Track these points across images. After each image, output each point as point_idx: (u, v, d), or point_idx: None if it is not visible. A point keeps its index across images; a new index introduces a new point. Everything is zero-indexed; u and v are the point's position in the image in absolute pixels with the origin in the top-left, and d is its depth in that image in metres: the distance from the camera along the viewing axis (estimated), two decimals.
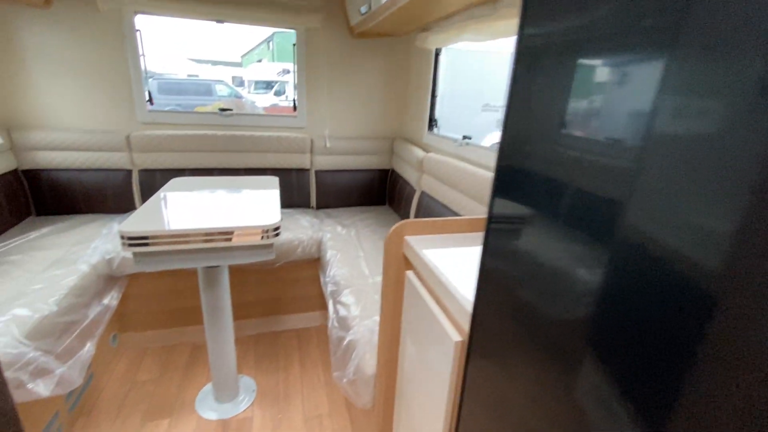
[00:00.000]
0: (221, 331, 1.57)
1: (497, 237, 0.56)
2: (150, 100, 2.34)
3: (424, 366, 0.91)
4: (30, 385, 1.14)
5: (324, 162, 2.60)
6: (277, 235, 1.32)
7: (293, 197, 2.58)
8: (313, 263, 2.18)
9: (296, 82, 2.53)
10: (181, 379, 1.85)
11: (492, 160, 1.65)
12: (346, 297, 1.55)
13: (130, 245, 1.17)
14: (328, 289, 1.73)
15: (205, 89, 9.80)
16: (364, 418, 1.50)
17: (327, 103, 2.60)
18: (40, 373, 1.19)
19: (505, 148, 0.54)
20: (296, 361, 2.01)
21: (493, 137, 6.58)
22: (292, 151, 2.52)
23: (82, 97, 2.20)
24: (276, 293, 2.22)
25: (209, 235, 1.24)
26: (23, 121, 2.17)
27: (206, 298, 1.51)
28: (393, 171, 2.73)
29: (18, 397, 1.14)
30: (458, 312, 0.76)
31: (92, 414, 1.62)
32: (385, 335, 1.09)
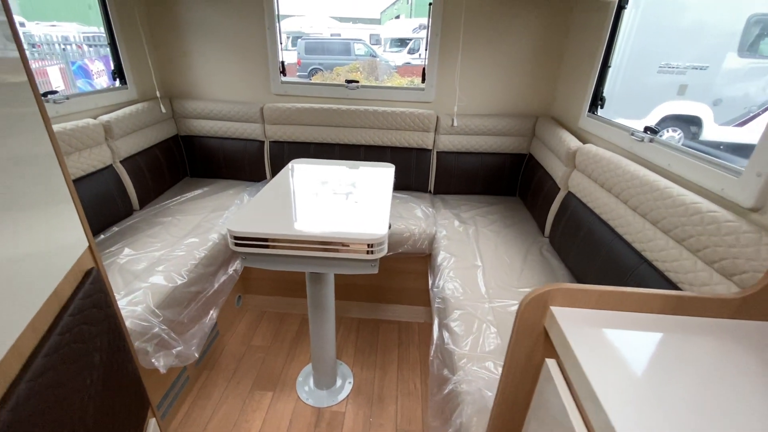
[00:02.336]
0: (323, 324, 1.53)
1: None
2: (283, 72, 2.34)
3: None
4: (152, 359, 1.26)
5: (448, 142, 2.30)
6: (381, 251, 1.15)
7: (410, 179, 2.37)
8: (424, 259, 1.98)
9: (427, 49, 2.22)
10: (288, 352, 1.93)
11: (707, 177, 1.12)
12: (455, 322, 1.31)
13: (237, 245, 1.14)
14: (435, 303, 1.51)
15: (345, 48, 10.12)
16: None
17: (460, 74, 2.23)
18: (163, 346, 1.31)
19: None
20: (394, 360, 1.90)
21: (669, 108, 5.15)
22: (415, 129, 2.28)
23: (226, 68, 2.32)
24: (382, 281, 2.11)
25: (312, 243, 1.13)
26: (181, 90, 2.41)
27: (311, 293, 1.46)
28: (531, 157, 2.26)
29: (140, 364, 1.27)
30: None
31: (213, 369, 1.81)
32: (501, 419, 0.83)
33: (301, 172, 1.74)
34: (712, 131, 5.07)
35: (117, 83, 2.08)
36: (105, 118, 1.82)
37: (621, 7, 1.63)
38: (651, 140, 1.36)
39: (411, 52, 11.42)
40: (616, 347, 0.62)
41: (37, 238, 0.71)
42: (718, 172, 1.06)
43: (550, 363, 0.69)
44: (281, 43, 2.28)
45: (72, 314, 0.84)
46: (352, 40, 10.73)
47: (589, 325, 0.67)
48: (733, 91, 5.01)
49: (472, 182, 2.36)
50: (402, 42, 11.90)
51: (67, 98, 1.72)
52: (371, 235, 1.13)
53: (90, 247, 0.95)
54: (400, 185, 2.38)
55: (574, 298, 0.70)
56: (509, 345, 0.74)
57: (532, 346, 0.73)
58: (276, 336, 2.03)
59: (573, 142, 1.74)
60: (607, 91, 1.79)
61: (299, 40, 9.80)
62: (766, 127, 0.92)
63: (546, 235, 1.88)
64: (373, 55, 10.53)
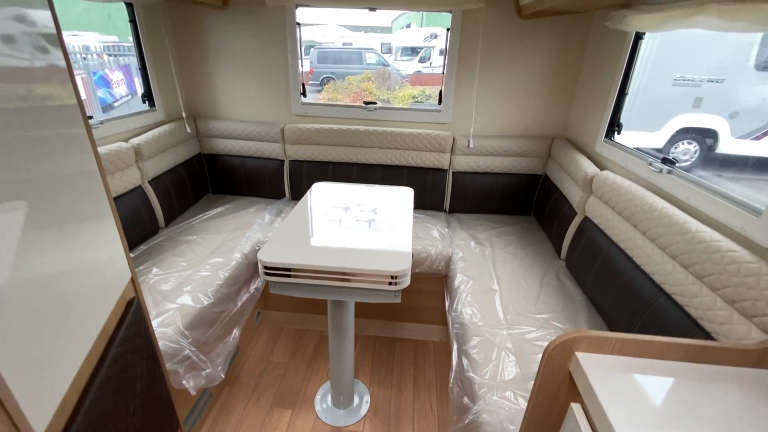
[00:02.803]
0: (343, 347, 1.57)
1: None
2: (303, 93, 2.41)
3: None
4: (183, 380, 1.31)
5: (464, 163, 2.33)
6: (404, 283, 1.19)
7: (426, 198, 2.41)
8: (440, 279, 2.01)
9: (444, 72, 2.27)
10: (306, 369, 1.97)
11: (726, 214, 1.14)
12: (474, 349, 1.34)
13: (267, 274, 1.19)
14: (454, 328, 1.54)
15: (357, 57, 10.26)
16: None
17: (477, 97, 2.27)
18: (192, 367, 1.36)
19: None
20: (410, 380, 1.93)
21: (684, 121, 5.10)
22: (431, 150, 2.32)
23: (248, 90, 2.40)
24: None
25: (337, 274, 1.18)
26: (205, 111, 2.49)
27: (332, 318, 1.50)
28: (546, 178, 2.28)
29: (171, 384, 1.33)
30: None
31: (234, 386, 1.86)
32: None
33: (324, 196, 1.79)
34: (728, 144, 5.01)
35: (146, 105, 2.17)
36: (135, 141, 1.90)
37: (638, 38, 1.66)
38: (669, 171, 1.38)
39: (422, 60, 11.52)
40: (639, 394, 0.65)
41: (86, 264, 0.76)
42: (737, 210, 1.08)
43: (576, 407, 0.72)
44: (302, 67, 2.35)
45: (118, 345, 0.89)
46: (363, 49, 10.87)
47: (613, 371, 0.70)
48: (749, 104, 4.96)
49: (487, 202, 2.39)
50: (413, 51, 12.01)
51: (102, 123, 1.81)
52: (394, 267, 1.17)
53: (132, 278, 1.01)
54: (416, 204, 2.42)
55: (599, 344, 0.73)
56: (534, 387, 0.77)
57: (557, 390, 0.76)
58: (294, 352, 2.08)
59: (590, 168, 1.76)
60: (633, 84, 1.74)
61: (312, 49, 9.95)
62: None
63: (562, 257, 1.90)
64: (385, 64, 10.64)
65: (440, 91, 2.33)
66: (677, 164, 1.38)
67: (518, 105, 2.28)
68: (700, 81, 4.87)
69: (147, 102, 2.17)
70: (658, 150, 5.07)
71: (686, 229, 1.15)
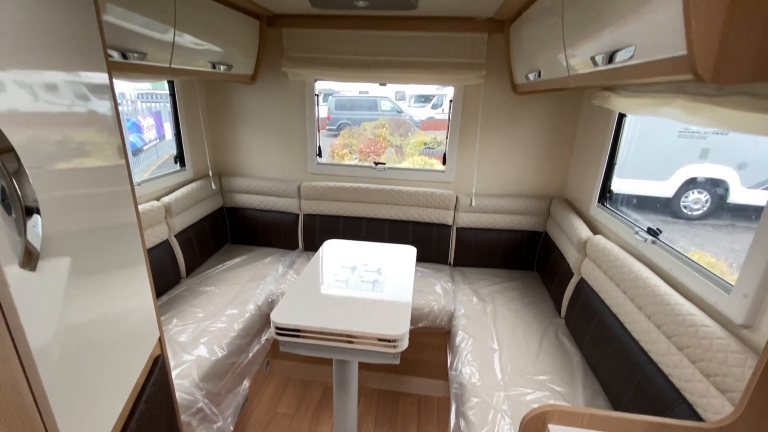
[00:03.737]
0: (346, 400, 1.63)
1: None
2: (319, 154, 2.64)
3: None
4: None
5: (467, 219, 2.47)
6: (402, 346, 1.30)
7: (431, 252, 2.53)
8: (443, 335, 2.08)
9: (448, 136, 2.47)
10: (311, 421, 2.01)
11: (703, 288, 1.22)
12: (471, 411, 1.40)
13: (278, 334, 1.31)
14: (453, 388, 1.60)
15: (372, 105, 10.84)
16: None
17: (478, 159, 2.45)
18: (204, 419, 1.45)
19: None
20: None
21: (692, 171, 5.18)
22: (436, 207, 2.47)
23: (270, 150, 2.64)
24: (403, 353, 2.20)
25: (343, 336, 1.29)
26: (229, 169, 2.74)
27: (337, 376, 1.58)
28: (546, 235, 2.38)
29: None
30: None
31: None
32: None
33: (333, 254, 1.94)
34: (740, 194, 5.04)
35: (177, 166, 2.41)
36: (166, 200, 2.11)
37: (623, 114, 1.82)
38: (653, 242, 1.47)
39: (434, 107, 12.05)
40: None
41: (120, 323, 0.87)
42: (711, 286, 1.17)
43: None
44: (318, 130, 2.60)
45: (145, 401, 1.00)
46: (378, 97, 11.45)
47: None
48: (757, 154, 5.02)
49: (490, 256, 2.49)
50: (426, 98, 12.62)
51: (139, 184, 2.03)
52: (393, 332, 1.28)
53: (160, 337, 1.14)
54: (421, 257, 2.53)
55: (570, 418, 0.81)
56: None
57: None
58: (300, 404, 2.13)
59: (584, 231, 1.86)
60: (620, 154, 1.89)
61: (330, 97, 10.59)
62: (747, 253, 1.04)
63: (562, 315, 1.96)
64: (399, 111, 11.16)
65: (444, 154, 2.52)
66: (660, 235, 1.48)
67: (518, 167, 2.44)
68: (705, 133, 5.01)
69: (178, 163, 2.42)
70: (669, 199, 5.16)
71: (666, 300, 1.23)
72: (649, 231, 1.52)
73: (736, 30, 0.66)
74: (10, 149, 0.55)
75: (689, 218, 5.12)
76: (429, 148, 7.74)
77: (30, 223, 0.57)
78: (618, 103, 1.66)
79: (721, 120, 1.12)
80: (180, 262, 2.19)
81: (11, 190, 0.56)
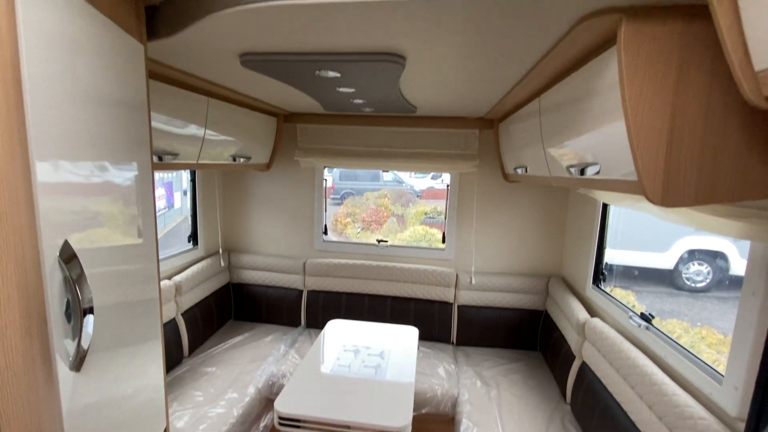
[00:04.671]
0: None
1: None
2: (325, 232, 2.78)
3: None
4: None
5: (468, 297, 2.52)
6: None
7: (433, 330, 2.54)
8: (447, 422, 2.02)
9: (447, 218, 2.62)
10: None
11: (698, 378, 1.25)
12: None
13: (281, 424, 1.32)
14: None
15: (374, 175, 11.34)
16: None
17: (475, 239, 2.58)
18: None
19: None
20: None
21: (691, 243, 5.26)
22: (437, 284, 2.54)
23: (279, 229, 2.80)
24: None
25: (344, 427, 1.30)
26: (238, 246, 2.87)
27: None
28: (547, 314, 2.41)
29: None
30: None
31: None
32: None
33: (336, 336, 1.97)
34: (740, 265, 5.06)
35: (190, 245, 2.54)
36: (178, 278, 2.20)
37: (606, 204, 1.98)
38: (647, 328, 1.52)
39: (434, 177, 12.60)
40: None
41: (131, 407, 0.88)
42: (705, 376, 1.20)
43: None
44: (326, 210, 2.77)
45: None
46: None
47: None
48: None
49: (493, 335, 2.49)
50: None
51: None
52: (395, 423, 1.29)
53: (166, 427, 1.15)
54: (424, 336, 2.53)
55: None
56: None
57: None
58: None
59: (582, 314, 1.91)
60: (616, 226, 1.97)
61: (335, 168, 11.13)
62: (732, 344, 1.10)
63: (567, 401, 1.92)
64: (399, 182, 11.65)
65: (443, 233, 2.66)
66: (653, 320, 1.53)
67: (514, 247, 2.56)
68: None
69: (191, 242, 2.55)
70: (670, 271, 5.19)
71: (664, 391, 1.25)
72: (642, 316, 1.57)
73: (676, 163, 0.80)
74: (73, 256, 0.62)
75: (693, 290, 5.10)
76: (429, 217, 7.97)
77: (85, 325, 0.61)
78: (600, 194, 1.82)
79: (694, 221, 1.25)
80: (184, 342, 2.21)
81: (74, 298, 0.61)
